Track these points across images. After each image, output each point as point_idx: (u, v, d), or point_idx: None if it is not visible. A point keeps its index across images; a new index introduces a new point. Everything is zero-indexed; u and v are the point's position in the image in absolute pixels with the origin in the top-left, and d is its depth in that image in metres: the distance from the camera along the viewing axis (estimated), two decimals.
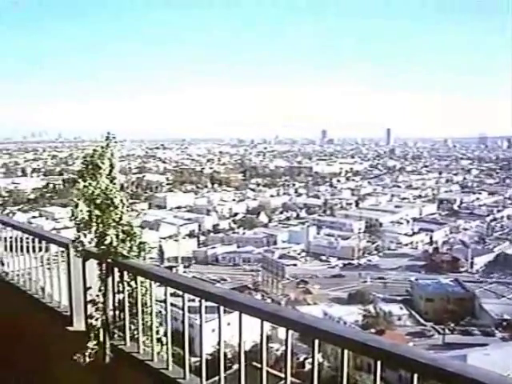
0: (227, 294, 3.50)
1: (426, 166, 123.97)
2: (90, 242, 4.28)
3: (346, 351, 2.95)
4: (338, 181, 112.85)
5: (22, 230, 5.80)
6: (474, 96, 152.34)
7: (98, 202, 4.19)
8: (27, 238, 5.72)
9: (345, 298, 61.08)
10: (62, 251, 5.08)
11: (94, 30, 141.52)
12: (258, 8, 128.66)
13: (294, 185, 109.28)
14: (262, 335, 3.32)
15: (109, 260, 4.25)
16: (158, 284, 4.13)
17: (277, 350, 28.19)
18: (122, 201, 4.26)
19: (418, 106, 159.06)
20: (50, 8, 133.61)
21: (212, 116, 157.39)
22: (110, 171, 4.30)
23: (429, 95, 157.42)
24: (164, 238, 76.13)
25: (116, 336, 4.35)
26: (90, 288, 4.43)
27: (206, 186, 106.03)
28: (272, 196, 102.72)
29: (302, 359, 31.12)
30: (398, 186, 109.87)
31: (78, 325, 4.59)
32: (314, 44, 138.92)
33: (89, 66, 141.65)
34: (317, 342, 3.09)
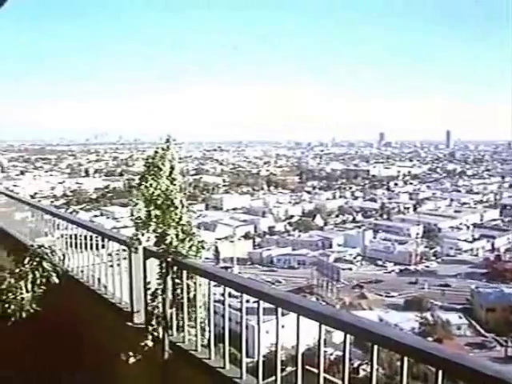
0: (285, 296, 3.49)
1: (488, 170, 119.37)
2: (147, 240, 4.37)
3: (405, 358, 2.88)
4: (396, 184, 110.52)
5: (86, 227, 6.01)
6: None
7: (159, 202, 4.28)
8: (91, 236, 5.94)
9: (401, 305, 59.74)
10: (124, 249, 5.26)
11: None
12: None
13: (350, 188, 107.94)
14: (319, 338, 3.28)
15: (168, 259, 4.33)
16: (214, 283, 4.16)
17: (330, 355, 27.89)
18: (181, 201, 4.33)
19: (480, 108, 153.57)
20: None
21: (269, 118, 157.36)
22: (171, 173, 4.38)
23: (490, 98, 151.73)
24: (220, 239, 77.00)
25: (174, 333, 4.43)
26: (150, 286, 4.53)
27: (262, 188, 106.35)
28: (328, 199, 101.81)
29: (356, 365, 30.69)
30: (458, 191, 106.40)
31: (138, 321, 4.71)
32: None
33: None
34: (376, 347, 3.03)
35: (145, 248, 4.46)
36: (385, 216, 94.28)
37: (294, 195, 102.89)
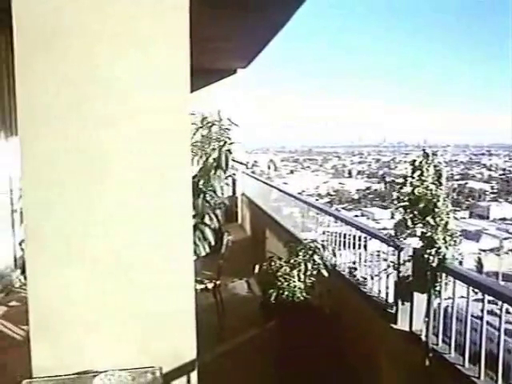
0: None
1: None
2: (404, 239, 4.36)
3: None
4: None
5: (355, 226, 6.21)
6: None
7: (421, 205, 4.21)
8: (350, 235, 6.19)
9: None
10: (384, 251, 5.40)
11: None
12: None
13: None
14: None
15: (433, 264, 4.22)
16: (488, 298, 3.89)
17: None
18: (447, 207, 4.20)
19: None
20: None
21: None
22: (439, 177, 4.27)
23: None
24: (484, 251, 71.48)
25: (440, 343, 4.31)
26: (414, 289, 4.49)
27: None
28: None
29: None
30: None
31: (403, 324, 4.70)
32: None
33: None
34: None
35: (414, 249, 4.44)
36: None
37: None
